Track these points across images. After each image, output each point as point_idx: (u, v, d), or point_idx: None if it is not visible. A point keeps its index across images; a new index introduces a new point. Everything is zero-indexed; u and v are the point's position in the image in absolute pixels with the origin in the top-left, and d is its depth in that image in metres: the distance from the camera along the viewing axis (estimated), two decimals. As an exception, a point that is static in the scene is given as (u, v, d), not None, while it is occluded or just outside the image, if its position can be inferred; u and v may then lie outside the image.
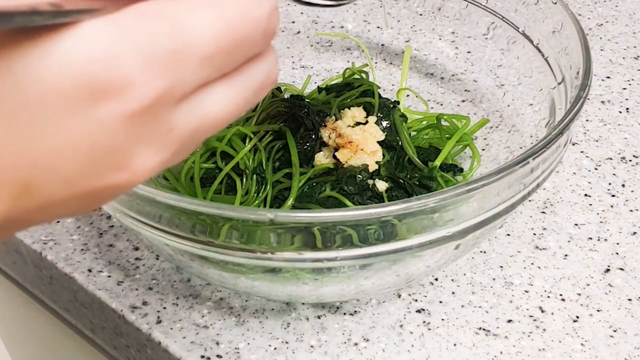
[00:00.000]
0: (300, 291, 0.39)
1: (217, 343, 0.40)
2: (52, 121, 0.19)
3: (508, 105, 0.51)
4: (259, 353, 0.40)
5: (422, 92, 0.56)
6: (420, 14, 0.59)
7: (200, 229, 0.33)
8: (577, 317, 0.42)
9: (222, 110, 0.22)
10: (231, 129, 0.48)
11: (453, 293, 0.43)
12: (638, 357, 0.40)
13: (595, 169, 0.51)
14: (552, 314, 0.42)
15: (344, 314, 0.42)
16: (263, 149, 0.46)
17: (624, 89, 0.58)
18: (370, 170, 0.45)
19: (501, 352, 0.40)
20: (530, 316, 0.42)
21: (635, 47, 0.63)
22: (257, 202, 0.44)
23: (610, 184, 0.50)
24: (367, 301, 0.43)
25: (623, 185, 0.50)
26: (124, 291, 0.43)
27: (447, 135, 0.49)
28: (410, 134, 0.50)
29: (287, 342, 0.40)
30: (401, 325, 0.41)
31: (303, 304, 0.42)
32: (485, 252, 0.45)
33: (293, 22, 0.60)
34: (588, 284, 0.44)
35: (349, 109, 0.48)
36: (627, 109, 0.56)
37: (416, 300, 0.43)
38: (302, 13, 0.61)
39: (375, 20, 0.61)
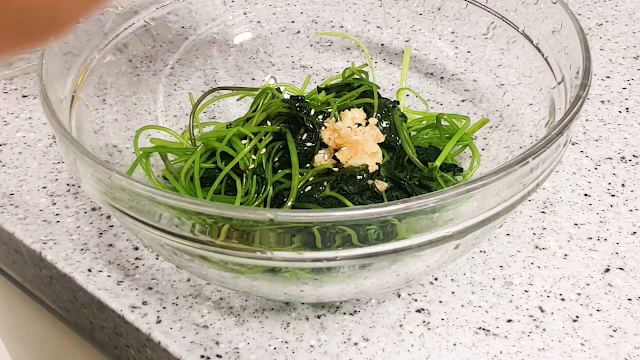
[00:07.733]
0: (300, 291, 0.39)
1: (217, 343, 0.40)
2: None
3: (508, 105, 0.51)
4: (259, 353, 0.40)
5: (422, 92, 0.56)
6: (420, 14, 0.58)
7: (200, 229, 0.33)
8: (577, 317, 0.42)
9: None
10: (231, 129, 0.48)
11: (453, 293, 0.43)
12: (638, 357, 0.40)
13: (595, 169, 0.51)
14: (552, 314, 0.42)
15: (344, 314, 0.42)
16: (263, 149, 0.46)
17: (624, 89, 0.58)
18: (371, 172, 0.45)
19: (501, 352, 0.40)
20: (530, 316, 0.42)
21: (635, 47, 0.63)
22: (257, 202, 0.44)
23: (610, 184, 0.50)
24: (367, 301, 0.43)
25: (623, 185, 0.50)
26: (124, 291, 0.43)
27: (447, 135, 0.49)
28: (410, 134, 0.50)
29: (287, 342, 0.40)
30: (401, 325, 0.41)
31: (303, 304, 0.42)
32: (485, 252, 0.45)
33: (293, 22, 0.60)
34: (588, 284, 0.44)
35: (349, 110, 0.48)
36: (627, 109, 0.56)
37: (416, 300, 0.43)
38: (302, 13, 0.61)
39: (375, 20, 0.61)
